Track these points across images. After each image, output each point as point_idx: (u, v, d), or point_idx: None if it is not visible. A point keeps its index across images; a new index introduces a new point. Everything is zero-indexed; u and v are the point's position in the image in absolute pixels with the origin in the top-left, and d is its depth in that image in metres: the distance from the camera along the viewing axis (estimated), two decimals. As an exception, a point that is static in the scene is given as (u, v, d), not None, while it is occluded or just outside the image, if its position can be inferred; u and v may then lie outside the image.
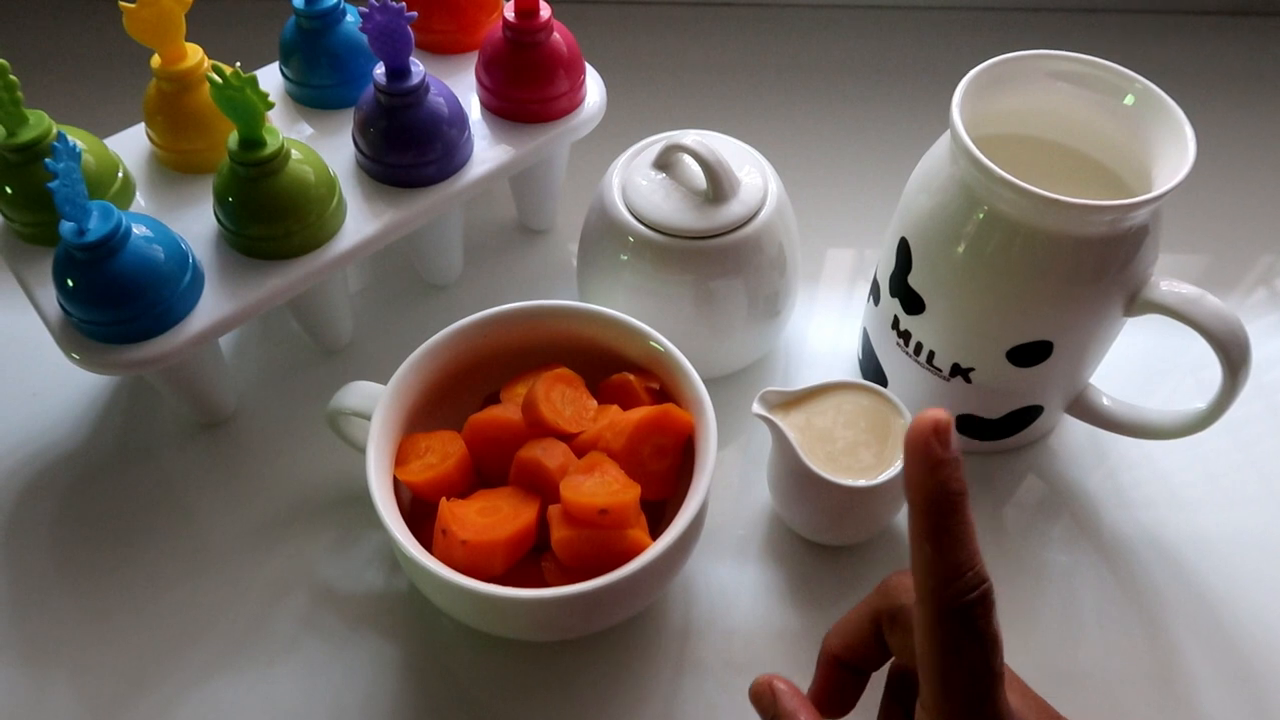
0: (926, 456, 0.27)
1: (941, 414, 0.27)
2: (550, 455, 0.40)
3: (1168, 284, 0.41)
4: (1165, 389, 0.52)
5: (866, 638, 0.33)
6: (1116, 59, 0.42)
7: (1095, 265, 0.40)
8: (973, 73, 0.41)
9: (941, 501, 0.27)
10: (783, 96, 0.68)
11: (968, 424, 0.47)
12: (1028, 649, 0.43)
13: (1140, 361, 0.52)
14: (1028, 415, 0.46)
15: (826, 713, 0.34)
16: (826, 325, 0.55)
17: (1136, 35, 0.73)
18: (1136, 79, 0.41)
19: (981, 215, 0.40)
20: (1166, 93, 0.41)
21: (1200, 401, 0.42)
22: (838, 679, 0.34)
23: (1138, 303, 0.41)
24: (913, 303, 0.44)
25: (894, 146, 0.56)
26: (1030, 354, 0.42)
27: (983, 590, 0.27)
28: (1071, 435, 0.50)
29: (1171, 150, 0.39)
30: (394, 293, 0.56)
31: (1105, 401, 0.46)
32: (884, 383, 0.48)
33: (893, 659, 0.33)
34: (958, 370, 0.44)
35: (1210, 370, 0.41)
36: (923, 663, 0.28)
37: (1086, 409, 0.47)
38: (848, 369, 0.53)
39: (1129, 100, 0.41)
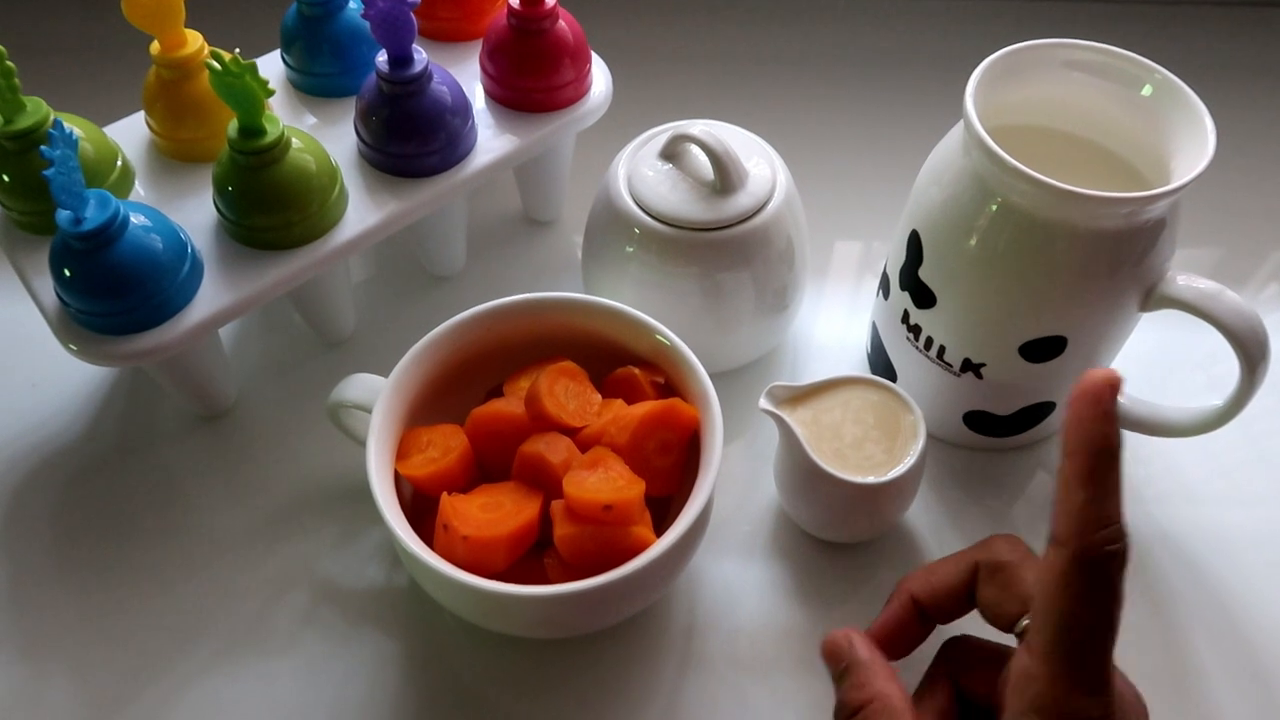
0: (1099, 405, 0.28)
1: (1115, 373, 0.28)
2: (554, 450, 0.39)
3: (1185, 278, 0.40)
4: (1174, 385, 0.51)
5: (957, 586, 0.34)
6: (1134, 49, 0.41)
7: (1111, 259, 0.39)
8: (987, 62, 0.40)
9: (1104, 451, 0.28)
10: (791, 86, 0.67)
11: (978, 420, 0.46)
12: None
13: (1150, 357, 0.51)
14: (1040, 412, 0.46)
15: (883, 650, 0.35)
16: (834, 319, 0.54)
17: (1154, 25, 0.72)
18: (1155, 69, 0.40)
19: (995, 207, 0.39)
20: (1185, 84, 0.40)
21: (1216, 398, 0.42)
22: (909, 620, 0.35)
23: (1154, 298, 0.40)
24: (923, 297, 0.43)
25: (905, 138, 0.55)
26: (1043, 349, 0.42)
27: (1124, 544, 0.28)
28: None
29: (1190, 142, 0.39)
30: (397, 284, 0.55)
31: (1119, 398, 0.45)
32: (893, 378, 0.48)
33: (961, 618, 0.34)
34: (969, 365, 0.44)
35: (1222, 366, 0.40)
36: (1047, 606, 0.28)
37: (1099, 405, 0.46)
38: (856, 364, 0.52)
39: (1147, 91, 0.41)
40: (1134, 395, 0.46)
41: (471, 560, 0.37)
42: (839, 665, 0.34)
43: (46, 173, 0.36)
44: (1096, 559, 0.28)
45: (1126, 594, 0.43)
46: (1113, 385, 0.28)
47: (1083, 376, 0.28)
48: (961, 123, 0.41)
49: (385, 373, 0.42)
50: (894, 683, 0.33)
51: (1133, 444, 0.49)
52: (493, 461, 0.42)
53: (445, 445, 0.41)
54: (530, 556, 0.39)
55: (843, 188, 0.60)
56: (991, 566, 0.33)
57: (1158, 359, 0.52)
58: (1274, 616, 0.44)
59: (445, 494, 0.38)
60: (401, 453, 0.41)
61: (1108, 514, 0.28)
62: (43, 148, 0.36)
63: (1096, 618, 0.28)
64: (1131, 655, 0.42)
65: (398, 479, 0.40)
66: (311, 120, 0.49)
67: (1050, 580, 0.28)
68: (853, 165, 0.62)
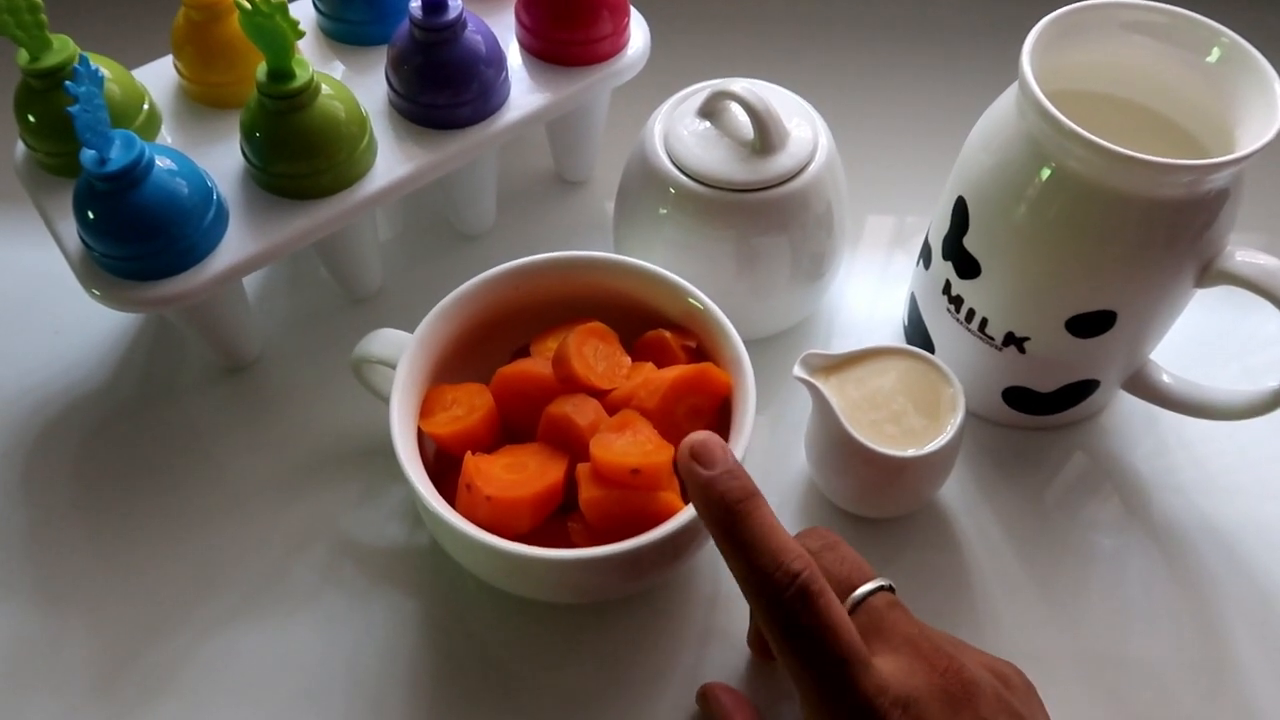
0: (692, 481, 0.29)
1: (697, 436, 0.30)
2: (581, 412, 0.38)
3: (1244, 254, 0.38)
4: (1214, 365, 0.49)
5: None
6: (1199, 11, 0.39)
7: (1168, 231, 0.37)
8: (1044, 21, 0.39)
9: (723, 518, 0.28)
10: (835, 46, 0.65)
11: (1017, 397, 0.45)
12: (1073, 632, 0.41)
13: (1193, 335, 0.49)
14: (1082, 390, 0.44)
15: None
16: (871, 288, 0.53)
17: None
18: (1224, 32, 0.38)
19: (1048, 173, 0.37)
20: (1255, 48, 0.38)
21: (1249, 381, 0.40)
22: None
23: (1211, 273, 0.39)
24: (968, 266, 0.42)
25: (950, 103, 0.53)
26: (1091, 324, 0.40)
27: (797, 586, 0.27)
28: (1124, 412, 0.48)
29: (1258, 110, 0.37)
30: (425, 241, 0.54)
31: (1165, 378, 0.44)
32: (931, 350, 0.46)
33: None
34: (1012, 339, 0.42)
35: (1261, 350, 0.38)
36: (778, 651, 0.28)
37: (1145, 385, 0.44)
38: (892, 335, 0.51)
39: (1214, 56, 0.39)
40: (1179, 375, 0.44)
41: (494, 521, 0.36)
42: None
43: (71, 109, 0.35)
44: (777, 613, 0.27)
45: (1168, 581, 0.43)
46: (695, 451, 0.29)
47: (681, 448, 0.30)
48: (1014, 86, 0.39)
49: (410, 328, 0.41)
50: None
51: (1175, 428, 0.47)
52: (518, 422, 0.41)
53: (470, 404, 0.40)
54: (554, 520, 0.38)
55: (884, 153, 0.58)
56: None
57: (1194, 337, 0.50)
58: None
59: (469, 453, 0.37)
60: (425, 410, 0.40)
61: (763, 568, 0.27)
62: (68, 83, 0.35)
63: (811, 658, 0.27)
64: (1172, 645, 0.41)
65: (420, 437, 0.39)
66: (341, 68, 0.48)
67: (768, 639, 0.28)
68: (896, 130, 0.60)
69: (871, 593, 0.30)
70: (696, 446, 0.29)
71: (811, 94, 0.47)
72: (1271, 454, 0.47)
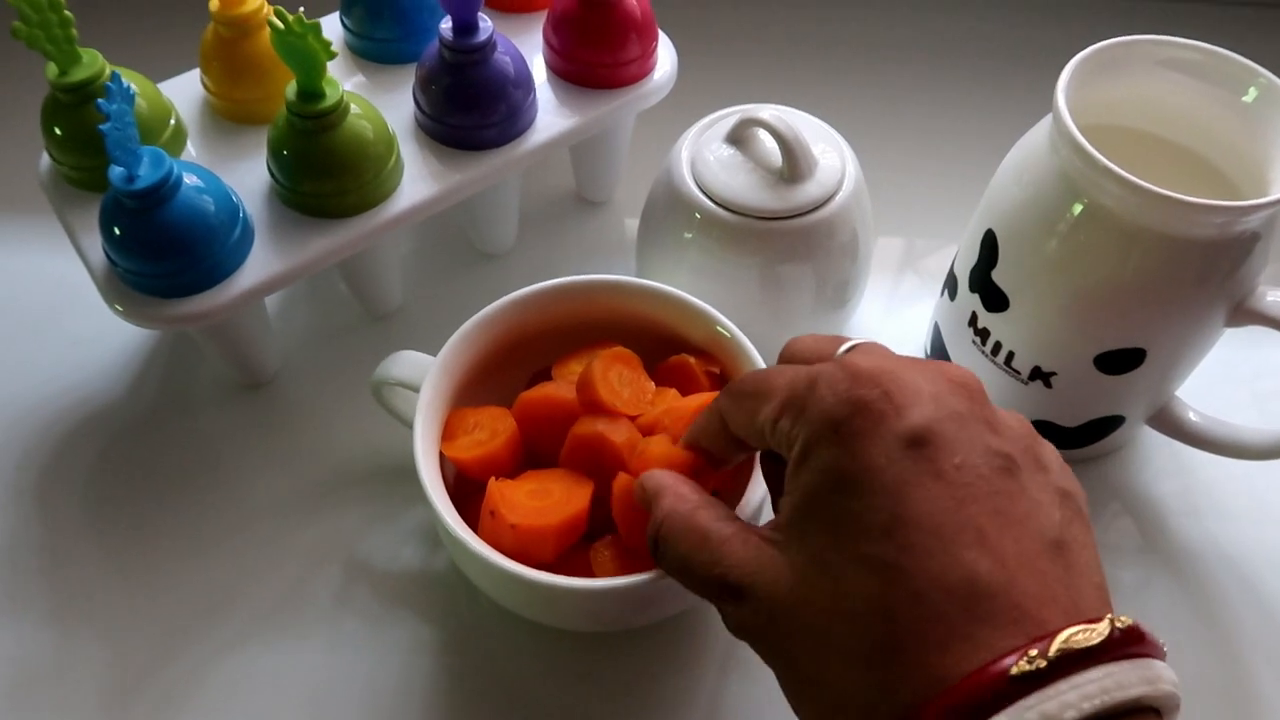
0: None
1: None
2: (615, 429, 0.37)
3: (1275, 294, 0.38)
4: (1229, 401, 0.49)
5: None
6: (1237, 51, 0.39)
7: (1200, 270, 0.37)
8: (1080, 56, 0.38)
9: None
10: (863, 74, 0.65)
11: (1042, 431, 0.44)
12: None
13: (1216, 371, 0.49)
14: (1108, 425, 0.44)
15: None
16: (893, 318, 0.52)
17: (1259, 27, 0.68)
18: (1261, 73, 0.38)
19: (1080, 209, 0.37)
20: (1292, 90, 0.38)
21: (1258, 415, 0.40)
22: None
23: (1241, 312, 0.38)
24: (995, 299, 0.41)
25: (979, 134, 0.53)
26: (1120, 361, 0.40)
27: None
28: (1147, 447, 0.47)
29: (1294, 151, 0.37)
30: (445, 259, 0.54)
31: (1192, 416, 0.44)
32: (954, 382, 0.46)
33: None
34: (1038, 374, 0.42)
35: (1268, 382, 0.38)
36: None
37: (1171, 422, 0.44)
38: (914, 364, 0.50)
39: (1250, 95, 0.38)
40: (1206, 413, 0.44)
41: (518, 549, 0.35)
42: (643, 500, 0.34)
43: (103, 127, 0.35)
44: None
45: (1190, 614, 0.42)
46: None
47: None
48: (1047, 119, 0.39)
49: (429, 348, 0.40)
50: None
51: (1199, 463, 0.47)
52: (540, 446, 0.40)
53: (493, 428, 0.39)
54: (576, 548, 0.38)
55: (911, 180, 0.58)
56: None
57: (1216, 373, 0.49)
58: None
59: (493, 479, 0.37)
60: (447, 434, 0.39)
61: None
62: (100, 101, 0.35)
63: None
64: (1193, 676, 0.41)
65: (441, 461, 0.39)
66: (367, 85, 0.48)
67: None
68: (922, 159, 0.60)
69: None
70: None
71: (838, 120, 0.47)
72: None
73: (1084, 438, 0.44)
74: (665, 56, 0.49)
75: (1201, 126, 0.40)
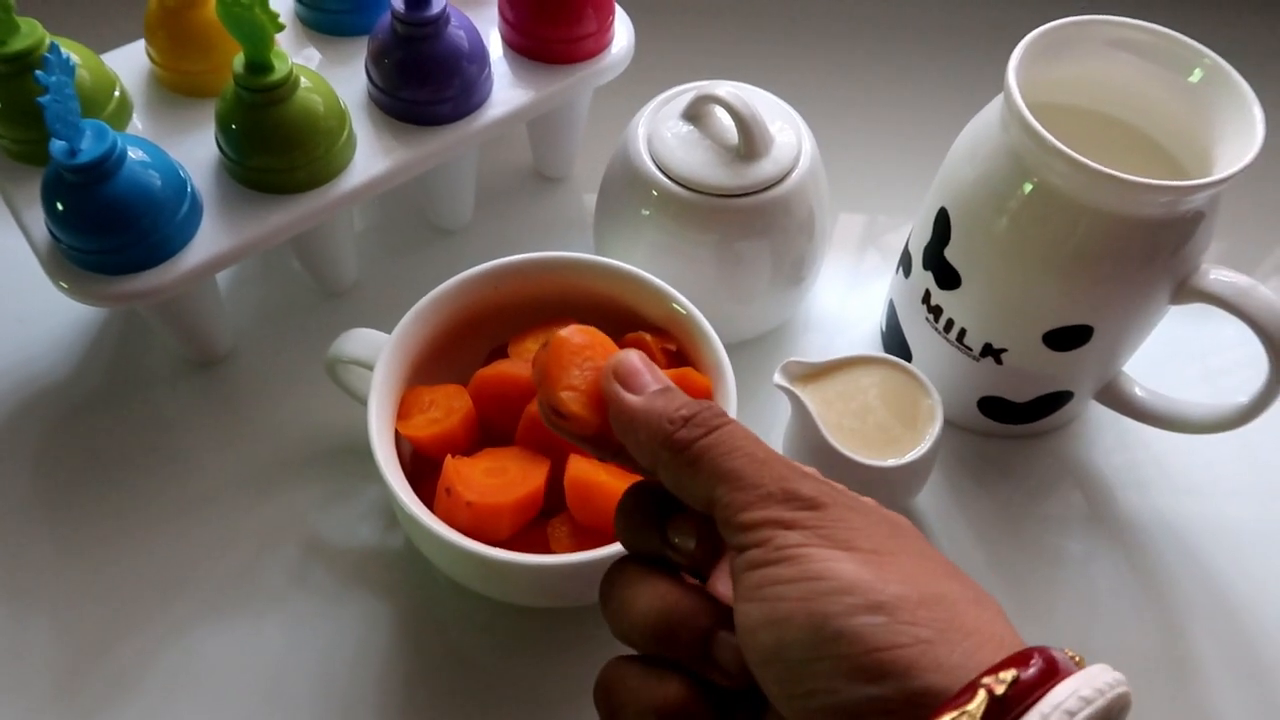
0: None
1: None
2: None
3: (1218, 273, 0.39)
4: (1180, 377, 0.50)
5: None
6: (1184, 32, 0.39)
7: (1145, 248, 0.38)
8: (1031, 35, 0.39)
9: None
10: (820, 51, 0.65)
11: (993, 407, 0.45)
12: (1043, 634, 0.42)
13: (1162, 348, 0.50)
14: (1056, 401, 0.45)
15: None
16: (850, 294, 0.53)
17: (1209, 9, 0.69)
18: (1206, 53, 0.39)
19: (1030, 188, 0.38)
20: (1238, 70, 0.38)
21: (1209, 391, 0.41)
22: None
23: (1185, 290, 0.39)
24: (948, 277, 0.42)
25: (933, 112, 0.53)
26: (1068, 338, 0.40)
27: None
28: (1095, 421, 0.48)
29: (1237, 132, 0.37)
30: (400, 235, 0.53)
31: (1138, 391, 0.45)
32: (907, 358, 0.46)
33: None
34: (989, 350, 0.42)
35: (1218, 358, 0.39)
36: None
37: (1117, 398, 0.45)
38: (869, 341, 0.51)
39: (1196, 76, 0.39)
40: (1151, 388, 0.45)
41: (474, 527, 0.35)
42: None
43: (42, 100, 0.34)
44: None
45: (1134, 584, 0.43)
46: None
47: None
48: (999, 98, 0.39)
49: (384, 324, 0.40)
50: None
51: (1144, 437, 0.48)
52: (496, 424, 0.40)
53: (448, 406, 0.39)
54: (533, 524, 0.38)
55: (866, 159, 0.58)
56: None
57: (1163, 350, 0.50)
58: (1273, 610, 0.43)
59: (449, 457, 0.37)
60: (403, 413, 0.39)
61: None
62: (38, 73, 0.34)
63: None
64: (1135, 643, 0.42)
65: (396, 438, 0.39)
66: (319, 58, 0.47)
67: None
68: (878, 136, 0.60)
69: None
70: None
71: (795, 96, 0.47)
72: (1241, 461, 0.48)
73: (1034, 413, 0.45)
74: (622, 31, 0.49)
75: (1149, 106, 0.41)
